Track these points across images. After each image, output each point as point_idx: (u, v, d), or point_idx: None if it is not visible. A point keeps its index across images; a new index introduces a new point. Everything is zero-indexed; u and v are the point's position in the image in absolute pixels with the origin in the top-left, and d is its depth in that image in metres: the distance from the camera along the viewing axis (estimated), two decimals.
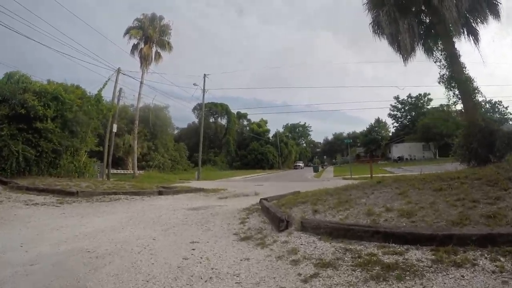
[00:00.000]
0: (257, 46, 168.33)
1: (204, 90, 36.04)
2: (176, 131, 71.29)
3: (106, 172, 31.61)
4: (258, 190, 15.93)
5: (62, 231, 6.58)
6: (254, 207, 9.01)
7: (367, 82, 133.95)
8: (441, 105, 70.10)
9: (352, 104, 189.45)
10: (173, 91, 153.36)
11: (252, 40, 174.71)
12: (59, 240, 5.80)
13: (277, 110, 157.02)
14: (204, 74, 36.33)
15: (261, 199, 9.67)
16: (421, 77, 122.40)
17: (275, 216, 6.57)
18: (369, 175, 29.65)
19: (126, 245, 5.34)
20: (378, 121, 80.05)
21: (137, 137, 34.90)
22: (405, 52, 14.21)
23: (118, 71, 26.87)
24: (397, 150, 63.89)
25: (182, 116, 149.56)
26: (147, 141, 47.85)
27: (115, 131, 26.26)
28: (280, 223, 6.10)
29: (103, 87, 24.36)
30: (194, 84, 36.51)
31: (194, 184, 23.53)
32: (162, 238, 5.80)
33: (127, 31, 34.59)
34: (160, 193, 13.61)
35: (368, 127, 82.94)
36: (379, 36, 14.99)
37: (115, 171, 37.53)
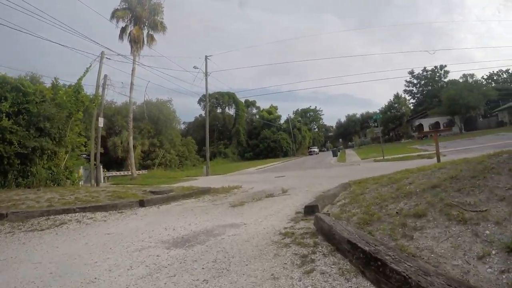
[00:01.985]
0: (262, 37, 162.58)
1: (206, 73, 31.53)
2: (183, 126, 68.75)
3: (103, 175, 28.37)
4: (283, 185, 11.68)
5: None
6: (301, 230, 4.71)
7: (375, 64, 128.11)
8: (464, 75, 66.62)
9: (360, 86, 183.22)
10: (178, 88, 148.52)
11: (257, 31, 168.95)
12: None
13: (285, 97, 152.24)
14: (206, 56, 31.65)
15: (306, 206, 5.53)
16: (427, 56, 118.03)
17: None
18: (402, 155, 25.38)
19: None
20: (397, 96, 74.03)
21: (132, 133, 30.39)
22: None
23: (102, 55, 22.50)
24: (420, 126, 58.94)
25: (188, 110, 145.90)
26: (151, 138, 44.01)
27: (102, 126, 21.84)
28: None
29: (84, 75, 20.23)
30: (195, 67, 31.41)
31: (201, 181, 19.54)
32: None
33: (113, 14, 30.10)
34: (141, 203, 9.04)
35: (386, 104, 77.46)
36: None
37: (114, 173, 33.74)
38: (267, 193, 10.02)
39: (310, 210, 5.52)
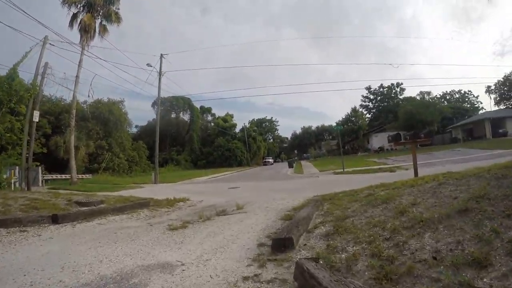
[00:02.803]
0: (221, 45, 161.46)
1: (160, 73, 29.48)
2: (135, 130, 65.18)
3: (41, 178, 25.50)
4: (238, 199, 10.13)
5: None
6: (273, 286, 3.10)
7: (330, 78, 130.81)
8: (421, 92, 69.34)
9: (316, 100, 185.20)
10: (133, 89, 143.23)
11: (216, 39, 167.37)
12: None
13: (242, 106, 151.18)
14: (161, 54, 29.71)
15: (274, 240, 4.19)
16: (383, 70, 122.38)
17: None
18: (362, 168, 24.61)
19: None
20: (354, 110, 75.05)
21: (73, 131, 27.33)
22: None
23: (45, 40, 19.87)
24: (376, 140, 59.04)
25: (142, 113, 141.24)
26: (100, 140, 41.02)
27: (37, 120, 19.05)
28: None
29: (22, 61, 17.91)
30: (148, 65, 29.14)
31: (146, 190, 17.67)
32: None
33: None
34: (54, 219, 7.06)
35: (343, 117, 78.12)
36: None
37: (55, 176, 30.58)
38: (219, 209, 8.42)
39: (280, 244, 3.97)
